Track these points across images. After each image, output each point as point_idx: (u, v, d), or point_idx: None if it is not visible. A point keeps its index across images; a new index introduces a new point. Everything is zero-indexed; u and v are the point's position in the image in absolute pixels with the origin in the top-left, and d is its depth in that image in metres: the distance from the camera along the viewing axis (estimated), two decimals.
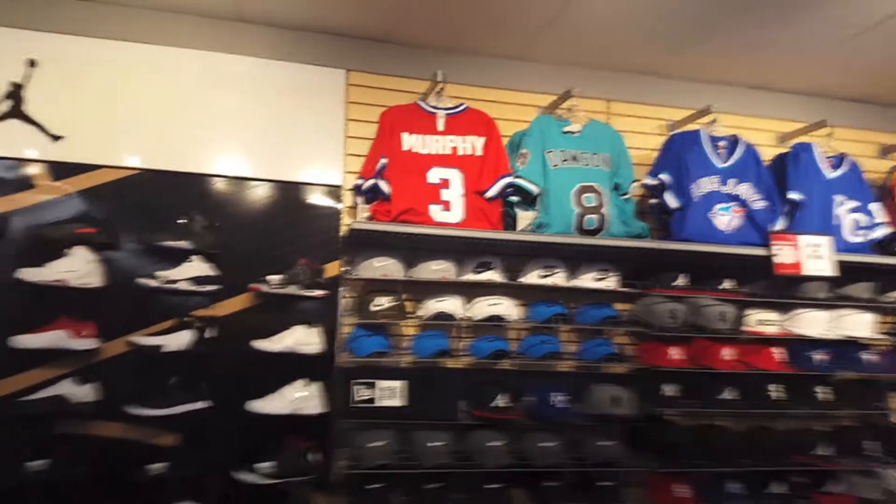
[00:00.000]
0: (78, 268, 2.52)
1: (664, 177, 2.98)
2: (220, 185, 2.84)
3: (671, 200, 2.96)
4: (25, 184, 2.63)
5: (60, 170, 2.67)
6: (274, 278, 2.74)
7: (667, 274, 2.93)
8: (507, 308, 2.75)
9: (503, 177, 2.78)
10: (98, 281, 2.55)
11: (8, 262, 2.53)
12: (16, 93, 2.64)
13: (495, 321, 2.74)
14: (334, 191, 2.95)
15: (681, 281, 2.90)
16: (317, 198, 2.93)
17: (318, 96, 2.98)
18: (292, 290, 2.74)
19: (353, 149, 2.97)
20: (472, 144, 2.83)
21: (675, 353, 2.82)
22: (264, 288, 2.71)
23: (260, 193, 2.89)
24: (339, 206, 2.94)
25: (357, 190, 2.76)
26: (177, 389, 2.59)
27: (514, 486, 2.68)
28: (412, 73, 3.05)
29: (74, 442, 2.52)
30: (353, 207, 2.88)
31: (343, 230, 2.90)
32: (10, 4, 2.71)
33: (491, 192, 2.76)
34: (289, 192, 2.91)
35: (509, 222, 2.88)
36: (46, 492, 2.47)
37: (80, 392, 2.51)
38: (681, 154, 3.01)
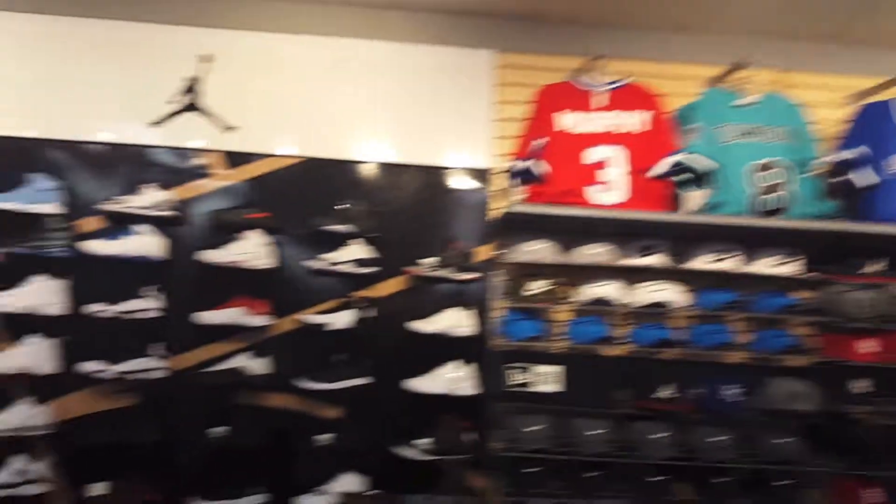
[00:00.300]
0: (251, 250, 2.70)
1: (853, 152, 2.66)
2: (373, 171, 2.90)
3: (861, 178, 2.64)
4: (202, 172, 2.84)
5: (233, 159, 2.85)
6: (427, 261, 2.79)
7: (855, 259, 2.64)
8: (671, 294, 2.60)
9: (670, 154, 2.62)
10: (269, 262, 2.73)
11: (190, 245, 2.76)
12: (193, 87, 2.85)
13: (658, 308, 2.62)
14: (482, 174, 2.93)
15: (873, 267, 2.60)
16: (465, 182, 2.93)
17: (467, 79, 2.95)
18: (444, 273, 2.77)
19: (502, 131, 2.92)
20: (634, 120, 2.68)
21: (866, 346, 2.54)
22: (418, 271, 2.78)
23: (410, 178, 2.92)
24: (487, 189, 2.93)
25: (510, 172, 2.71)
26: (341, 365, 2.72)
27: (678, 480, 2.56)
28: (565, 51, 2.91)
29: (250, 411, 2.73)
30: (502, 191, 2.85)
31: (492, 214, 2.89)
32: (186, 4, 2.91)
33: (656, 171, 2.60)
34: (438, 176, 2.92)
35: (674, 203, 2.70)
36: (227, 456, 2.71)
37: (255, 365, 2.70)
38: (871, 127, 2.67)
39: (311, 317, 2.72)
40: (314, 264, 2.73)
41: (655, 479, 2.51)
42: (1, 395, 2.61)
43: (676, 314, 2.72)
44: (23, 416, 2.58)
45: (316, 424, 2.75)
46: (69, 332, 2.66)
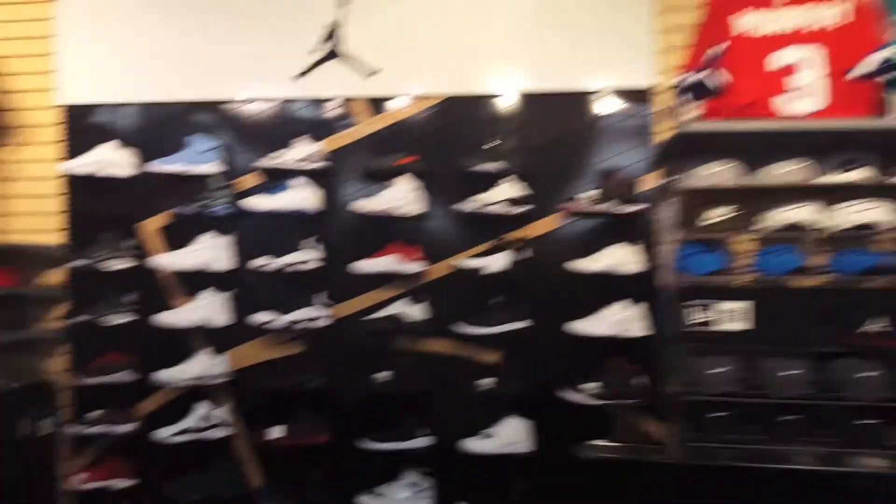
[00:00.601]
0: (402, 196, 2.65)
1: None
2: (519, 103, 2.74)
3: None
4: (348, 122, 2.81)
5: (376, 105, 2.79)
6: (585, 196, 2.61)
7: None
8: (879, 214, 2.24)
9: (876, 50, 2.21)
10: (420, 208, 2.67)
11: (343, 195, 2.77)
12: (333, 34, 2.80)
13: (863, 231, 2.27)
14: (643, 94, 2.67)
15: None
16: (623, 104, 2.69)
17: None
18: (605, 207, 2.58)
19: (665, 44, 2.64)
20: (830, 13, 2.30)
21: None
22: (576, 206, 2.60)
23: (561, 107, 2.73)
24: (650, 111, 2.67)
25: (679, 88, 2.40)
26: (498, 309, 2.64)
27: (892, 424, 2.27)
28: None
29: (410, 357, 2.73)
30: (669, 111, 2.55)
31: (657, 137, 2.63)
32: None
33: (860, 71, 2.21)
34: (591, 101, 2.71)
35: (882, 108, 2.30)
36: (391, 400, 2.74)
37: (413, 311, 2.69)
38: None
39: (466, 261, 2.64)
40: (465, 207, 2.63)
41: (864, 422, 2.24)
42: (182, 347, 2.80)
43: (885, 237, 2.36)
44: (203, 366, 2.75)
45: (476, 369, 2.72)
46: (238, 286, 2.79)
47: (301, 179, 2.68)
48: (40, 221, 2.88)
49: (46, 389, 2.89)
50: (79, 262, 2.71)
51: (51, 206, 2.88)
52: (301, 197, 2.67)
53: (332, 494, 2.68)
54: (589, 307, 2.58)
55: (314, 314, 2.70)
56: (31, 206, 2.90)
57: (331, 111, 2.81)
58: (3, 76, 2.89)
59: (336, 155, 2.78)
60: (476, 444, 2.62)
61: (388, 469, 2.70)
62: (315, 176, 2.72)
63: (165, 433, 2.70)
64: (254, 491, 2.80)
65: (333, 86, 2.79)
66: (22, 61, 2.89)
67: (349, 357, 2.78)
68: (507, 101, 2.75)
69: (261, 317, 2.67)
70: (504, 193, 2.59)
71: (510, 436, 2.63)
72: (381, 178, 2.70)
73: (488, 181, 2.66)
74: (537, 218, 2.68)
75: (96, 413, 2.79)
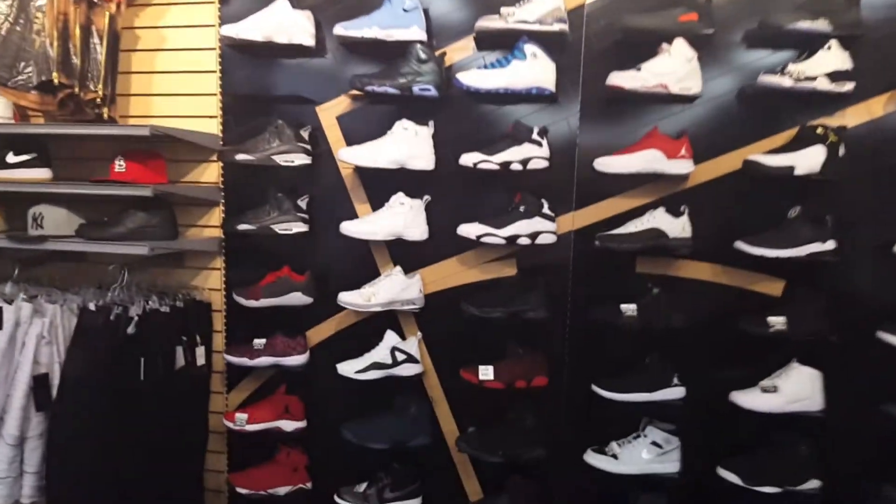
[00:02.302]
0: (677, 68, 1.99)
1: None
2: None
3: None
4: None
5: None
6: None
7: None
8: None
9: None
10: (696, 86, 1.99)
11: (588, 69, 2.09)
12: None
13: None
14: None
15: None
16: None
17: None
18: None
19: None
20: None
21: None
22: None
23: None
24: None
25: None
26: (798, 225, 1.97)
27: None
28: None
29: (664, 285, 2.09)
30: None
31: None
32: None
33: None
34: None
35: None
36: (634, 340, 2.12)
37: (671, 225, 2.03)
38: None
39: (757, 157, 1.96)
40: (768, 80, 1.90)
41: None
42: (366, 264, 2.29)
43: None
44: (392, 288, 2.23)
45: (752, 304, 2.09)
46: (441, 189, 2.21)
47: (533, 47, 2.00)
48: (193, 104, 2.34)
49: (201, 311, 2.42)
50: (241, 157, 2.16)
51: (207, 84, 2.33)
52: (534, 70, 2.00)
53: (546, 448, 2.17)
54: None
55: (537, 227, 2.10)
56: (183, 84, 2.35)
57: None
58: None
59: (578, 14, 2.08)
60: (748, 399, 2.03)
61: (623, 423, 2.16)
62: (550, 43, 2.04)
63: (348, 369, 2.24)
64: (448, 439, 2.34)
65: None
66: None
67: (581, 281, 2.19)
68: None
69: (469, 229, 2.10)
70: (825, 64, 1.89)
71: (796, 391, 2.05)
72: (638, 45, 1.99)
73: (800, 45, 1.92)
74: (857, 101, 1.96)
75: (259, 342, 2.35)
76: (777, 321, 1.98)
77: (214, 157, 2.35)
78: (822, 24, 1.83)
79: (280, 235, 2.23)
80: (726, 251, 2.03)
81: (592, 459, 2.13)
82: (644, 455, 2.12)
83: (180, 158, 2.37)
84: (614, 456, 2.12)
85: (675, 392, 2.10)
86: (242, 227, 2.23)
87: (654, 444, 2.13)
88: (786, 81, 1.84)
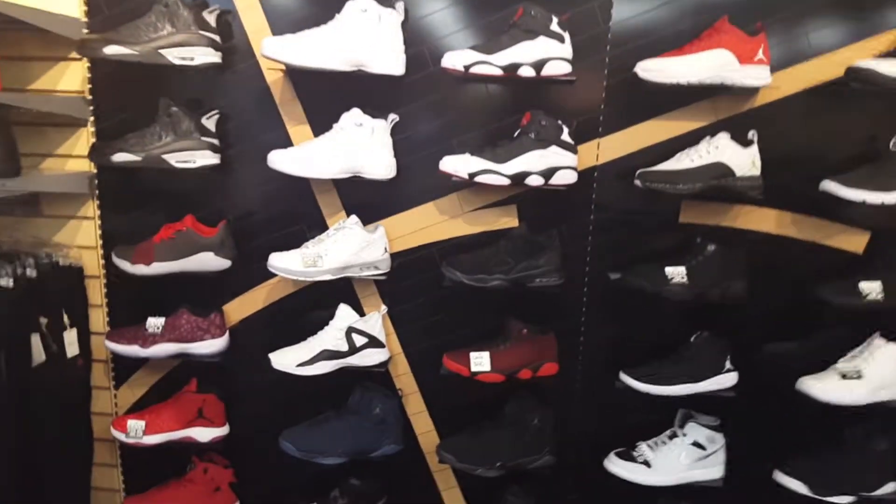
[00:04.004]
0: None
1: None
2: None
3: None
4: None
5: None
6: None
7: None
8: None
9: None
10: None
11: None
12: None
13: None
14: None
15: None
16: None
17: None
18: None
19: None
20: None
21: None
22: None
23: None
24: None
25: None
26: None
27: None
28: None
29: (722, 239, 1.53)
30: None
31: None
32: None
33: None
34: None
35: None
36: (678, 312, 1.60)
37: (743, 158, 1.47)
38: None
39: (868, 63, 1.37)
40: None
41: None
42: (313, 218, 1.64)
43: None
44: (349, 248, 1.61)
45: (831, 262, 1.58)
46: (416, 106, 1.55)
47: None
48: None
49: (69, 280, 1.70)
50: (111, 50, 1.39)
51: None
52: None
53: (556, 455, 1.65)
54: None
55: (551, 162, 1.50)
56: None
57: None
58: None
59: None
60: (824, 388, 1.54)
61: (651, 417, 1.69)
62: None
63: (287, 361, 1.61)
64: (424, 446, 1.78)
65: None
66: None
67: (606, 236, 1.62)
68: None
69: (455, 164, 1.49)
70: None
71: (882, 375, 1.57)
72: None
73: None
74: None
75: (156, 322, 1.69)
76: (871, 288, 1.50)
77: (76, 53, 1.60)
78: None
79: (178, 170, 1.55)
80: (797, 194, 1.52)
81: (617, 468, 1.63)
82: (683, 459, 1.64)
83: (26, 55, 1.60)
84: (646, 463, 1.63)
85: (727, 379, 1.59)
86: (120, 157, 1.51)
87: (696, 444, 1.66)
88: None
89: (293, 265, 1.53)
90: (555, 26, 1.43)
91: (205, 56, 1.47)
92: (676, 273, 1.51)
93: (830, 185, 1.45)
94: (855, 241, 1.57)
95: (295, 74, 1.56)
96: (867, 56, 1.45)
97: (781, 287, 1.59)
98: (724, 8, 1.46)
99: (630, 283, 1.55)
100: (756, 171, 1.49)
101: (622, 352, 1.64)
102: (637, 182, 1.48)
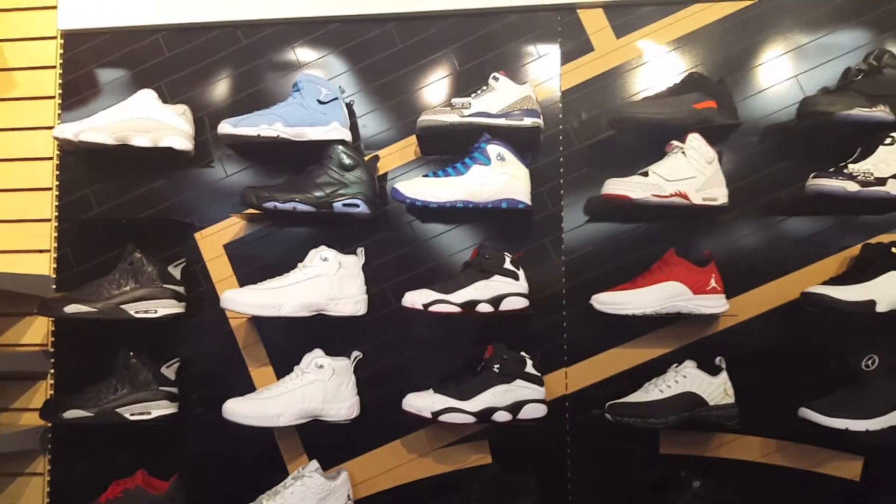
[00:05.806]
0: (695, 172, 1.42)
1: None
2: None
3: None
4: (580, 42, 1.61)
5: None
6: None
7: None
8: None
9: None
10: (723, 195, 1.42)
11: (572, 180, 1.54)
12: None
13: None
14: None
15: None
16: None
17: None
18: None
19: None
20: None
21: None
22: None
23: None
24: None
25: None
26: (881, 379, 1.38)
27: None
28: None
29: (706, 471, 1.42)
30: None
31: None
32: None
33: None
34: None
35: None
36: None
37: (712, 386, 1.41)
38: None
39: (821, 289, 1.35)
40: (826, 185, 1.36)
41: None
42: (271, 465, 1.54)
43: None
44: (308, 499, 1.50)
45: (828, 491, 1.45)
46: (377, 345, 1.54)
47: (498, 148, 1.45)
48: (18, 234, 1.64)
49: None
50: (72, 309, 1.41)
51: (38, 206, 1.65)
52: (500, 179, 1.44)
53: None
54: None
55: (518, 396, 1.45)
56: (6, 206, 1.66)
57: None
58: None
59: (553, 105, 1.58)
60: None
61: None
62: (520, 142, 1.49)
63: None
64: None
65: None
66: None
67: (585, 470, 1.50)
68: None
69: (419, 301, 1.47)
70: (891, 162, 1.42)
71: None
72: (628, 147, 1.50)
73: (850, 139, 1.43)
74: None
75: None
76: None
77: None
78: (881, 112, 1.40)
79: (132, 423, 1.50)
80: (779, 420, 1.45)
81: None
82: None
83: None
84: None
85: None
86: (71, 414, 1.46)
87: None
88: (851, 186, 1.37)
89: None
90: (508, 265, 1.48)
91: (167, 308, 1.50)
92: None
93: (809, 414, 1.38)
94: (849, 468, 1.46)
95: (259, 321, 1.58)
96: (821, 279, 1.46)
97: None
98: (669, 239, 1.51)
99: None
100: (730, 398, 1.43)
101: None
102: (607, 415, 1.42)
